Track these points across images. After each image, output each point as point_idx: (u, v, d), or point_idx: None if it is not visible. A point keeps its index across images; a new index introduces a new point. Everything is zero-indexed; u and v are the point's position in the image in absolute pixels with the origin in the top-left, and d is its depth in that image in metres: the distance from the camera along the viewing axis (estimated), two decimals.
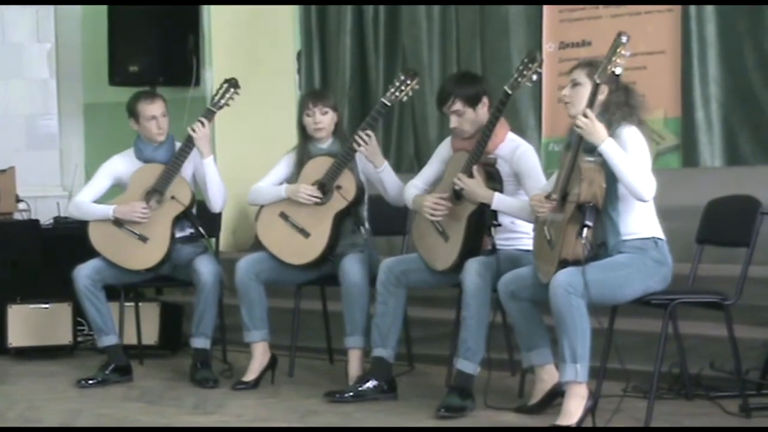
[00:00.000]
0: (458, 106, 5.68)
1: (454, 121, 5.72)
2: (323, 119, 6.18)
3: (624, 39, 4.88)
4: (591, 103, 4.94)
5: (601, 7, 7.64)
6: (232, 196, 6.55)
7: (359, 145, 5.98)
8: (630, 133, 4.99)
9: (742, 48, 7.18)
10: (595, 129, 4.90)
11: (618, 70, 4.89)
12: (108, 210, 6.39)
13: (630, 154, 4.91)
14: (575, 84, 5.12)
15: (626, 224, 5.01)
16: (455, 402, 5.42)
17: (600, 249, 4.97)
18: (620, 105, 5.02)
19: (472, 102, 5.68)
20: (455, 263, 5.61)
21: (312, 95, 6.40)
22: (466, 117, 5.69)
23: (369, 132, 6.00)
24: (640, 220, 5.03)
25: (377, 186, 6.13)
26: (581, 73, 5.11)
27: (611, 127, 4.96)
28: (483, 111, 5.70)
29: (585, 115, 4.90)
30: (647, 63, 7.35)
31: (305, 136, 6.25)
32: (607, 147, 4.88)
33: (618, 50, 4.88)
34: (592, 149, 4.92)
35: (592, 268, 4.89)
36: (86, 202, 6.49)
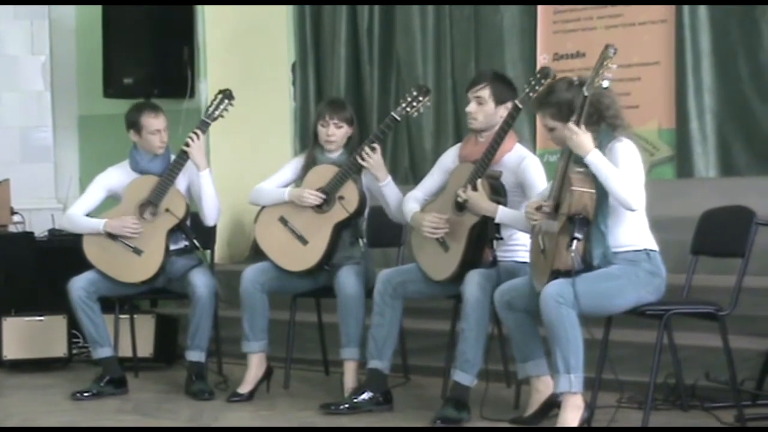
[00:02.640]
0: (485, 93, 5.69)
1: (472, 106, 5.71)
2: (336, 132, 6.16)
3: (611, 52, 4.89)
4: (579, 116, 4.93)
5: (595, 18, 7.65)
6: (226, 208, 6.56)
7: (363, 159, 5.98)
8: (623, 147, 4.98)
9: (737, 59, 7.18)
10: (580, 140, 4.90)
11: (605, 83, 4.89)
12: (99, 224, 6.39)
13: (620, 166, 4.90)
14: (550, 129, 5.14)
15: (616, 237, 5.00)
16: (451, 413, 5.42)
17: (589, 258, 4.97)
18: (597, 122, 5.01)
19: (499, 99, 5.68)
20: (454, 274, 5.60)
21: (331, 106, 6.27)
22: (485, 109, 5.69)
23: (375, 145, 6.00)
24: (631, 233, 5.02)
25: (380, 200, 6.13)
26: (547, 119, 5.12)
27: (601, 146, 4.95)
28: (500, 113, 5.68)
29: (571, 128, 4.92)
30: (641, 74, 7.37)
31: (316, 142, 6.24)
32: (593, 158, 4.89)
33: (605, 63, 4.88)
34: (582, 159, 4.93)
35: (584, 279, 4.89)
36: (78, 215, 6.48)
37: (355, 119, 6.29)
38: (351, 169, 6.03)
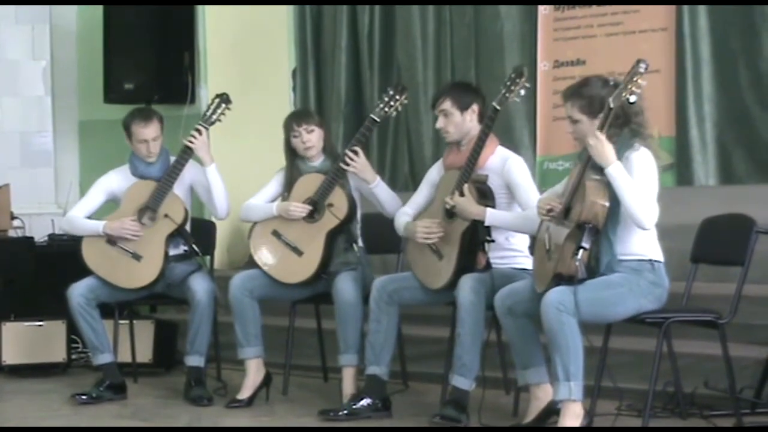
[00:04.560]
0: (446, 105, 5.71)
1: (440, 122, 5.75)
2: (311, 138, 6.18)
3: (642, 67, 4.87)
4: (603, 126, 4.92)
5: (596, 26, 7.66)
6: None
7: (347, 164, 5.99)
8: (639, 157, 4.97)
9: (736, 67, 7.19)
10: (604, 150, 4.88)
11: (632, 98, 4.88)
12: (98, 226, 6.39)
13: (636, 179, 4.90)
14: (574, 121, 5.12)
15: (625, 246, 5.00)
16: (451, 413, 5.45)
17: (595, 265, 4.97)
18: (621, 126, 5.00)
19: (461, 105, 5.70)
20: (450, 281, 5.61)
21: (295, 116, 6.34)
22: (453, 119, 5.71)
23: (356, 149, 6.01)
24: (639, 242, 5.02)
25: (374, 202, 6.14)
26: (574, 110, 5.09)
27: (619, 152, 4.94)
28: (471, 119, 5.71)
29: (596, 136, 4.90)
30: None
31: (293, 156, 6.25)
32: (614, 170, 4.88)
33: (635, 78, 4.88)
34: (600, 167, 4.93)
35: (585, 287, 4.89)
36: (78, 217, 6.48)
37: (324, 121, 6.32)
38: (337, 175, 6.04)
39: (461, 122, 5.71)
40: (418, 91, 8.27)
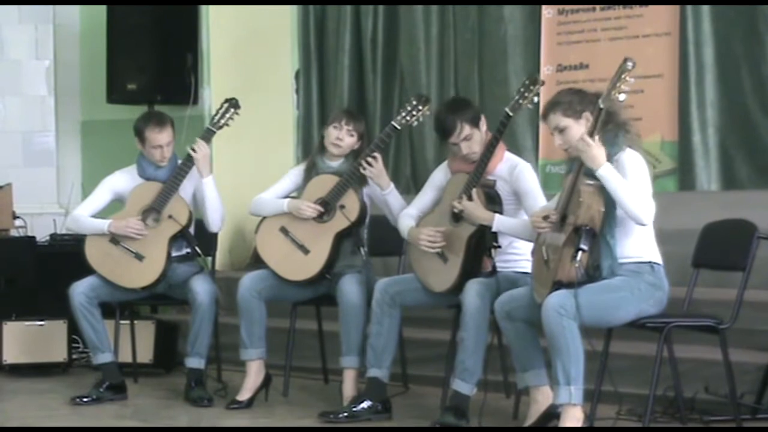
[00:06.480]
0: (467, 131, 5.68)
1: (465, 148, 5.70)
2: (346, 139, 6.15)
3: (630, 65, 4.89)
4: (593, 129, 4.93)
5: (599, 30, 7.66)
6: (228, 216, 6.55)
7: (364, 168, 5.99)
8: (629, 157, 4.98)
9: (740, 72, 7.19)
10: (593, 154, 4.89)
11: (622, 97, 4.89)
12: (103, 225, 6.39)
13: (629, 179, 4.91)
14: (561, 130, 5.11)
15: (623, 249, 5.00)
16: (450, 420, 5.44)
17: (595, 272, 4.97)
18: (606, 123, 5.00)
19: (476, 122, 5.71)
20: (454, 285, 5.61)
21: (348, 113, 6.34)
22: (475, 139, 5.71)
23: (375, 154, 6.01)
24: (637, 245, 5.02)
25: (383, 208, 6.13)
26: (557, 117, 5.10)
27: (608, 154, 4.94)
28: (484, 129, 5.74)
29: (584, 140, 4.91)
30: (644, 87, 7.37)
31: (321, 148, 6.24)
32: (604, 171, 4.88)
33: (623, 76, 4.88)
34: (592, 173, 4.93)
35: (586, 291, 4.89)
36: (84, 215, 6.48)
37: (366, 135, 6.29)
38: (352, 179, 6.04)
39: (481, 138, 5.72)
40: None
